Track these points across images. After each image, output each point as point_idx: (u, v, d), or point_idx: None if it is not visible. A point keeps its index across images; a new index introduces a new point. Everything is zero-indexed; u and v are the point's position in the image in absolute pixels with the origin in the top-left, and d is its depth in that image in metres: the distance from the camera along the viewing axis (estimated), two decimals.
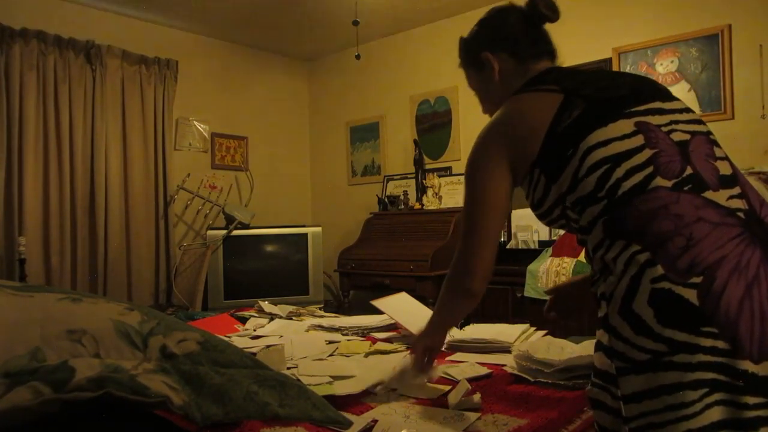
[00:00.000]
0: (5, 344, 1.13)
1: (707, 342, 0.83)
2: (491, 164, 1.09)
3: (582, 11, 3.56)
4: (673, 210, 0.90)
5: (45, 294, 1.32)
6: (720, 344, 0.83)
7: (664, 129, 1.00)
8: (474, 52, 1.25)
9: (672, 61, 3.25)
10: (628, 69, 3.37)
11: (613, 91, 1.05)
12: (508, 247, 3.49)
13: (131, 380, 1.12)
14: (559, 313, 1.44)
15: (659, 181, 0.93)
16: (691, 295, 0.84)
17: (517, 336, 1.93)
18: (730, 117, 3.10)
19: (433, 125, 4.32)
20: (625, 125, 0.99)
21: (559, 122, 1.02)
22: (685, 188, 0.92)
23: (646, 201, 0.92)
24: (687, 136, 1.00)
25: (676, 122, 1.02)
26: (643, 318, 0.87)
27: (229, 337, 2.18)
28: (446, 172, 4.16)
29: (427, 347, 1.36)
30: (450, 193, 4.03)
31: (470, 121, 4.10)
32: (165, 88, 4.10)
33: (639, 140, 0.97)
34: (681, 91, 3.22)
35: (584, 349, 1.60)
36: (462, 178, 4.00)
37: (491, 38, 1.23)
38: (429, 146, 4.29)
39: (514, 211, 3.59)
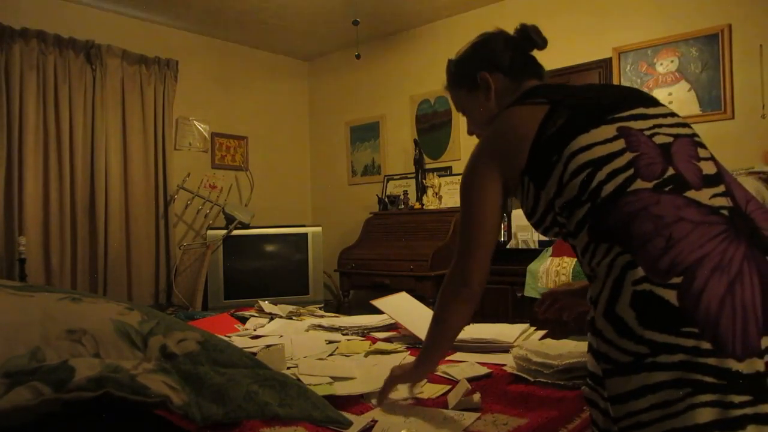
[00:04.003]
0: (5, 344, 1.13)
1: (689, 342, 0.83)
2: (484, 181, 1.14)
3: (582, 11, 3.56)
4: (654, 211, 0.90)
5: (45, 294, 1.32)
6: (703, 344, 0.82)
7: (647, 133, 1.01)
8: (469, 73, 1.29)
9: (672, 61, 3.25)
10: (628, 69, 3.37)
11: (598, 100, 1.09)
12: (508, 247, 3.49)
13: (131, 380, 1.12)
14: (554, 314, 1.47)
15: (640, 183, 0.94)
16: (670, 296, 0.84)
17: (517, 336, 1.93)
18: (730, 117, 3.10)
19: (433, 125, 4.32)
20: (607, 130, 1.01)
21: (545, 131, 1.06)
22: (666, 189, 0.93)
23: (627, 203, 0.93)
24: (670, 139, 1.01)
25: (660, 126, 1.03)
26: (626, 320, 0.87)
27: (229, 337, 2.18)
28: (446, 171, 4.16)
29: (401, 380, 1.35)
30: (450, 193, 4.03)
31: None
32: (165, 88, 4.10)
33: (620, 144, 0.98)
34: (681, 90, 3.22)
35: (584, 349, 1.60)
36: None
37: (488, 59, 1.27)
38: (429, 146, 4.29)
39: (514, 211, 3.59)
